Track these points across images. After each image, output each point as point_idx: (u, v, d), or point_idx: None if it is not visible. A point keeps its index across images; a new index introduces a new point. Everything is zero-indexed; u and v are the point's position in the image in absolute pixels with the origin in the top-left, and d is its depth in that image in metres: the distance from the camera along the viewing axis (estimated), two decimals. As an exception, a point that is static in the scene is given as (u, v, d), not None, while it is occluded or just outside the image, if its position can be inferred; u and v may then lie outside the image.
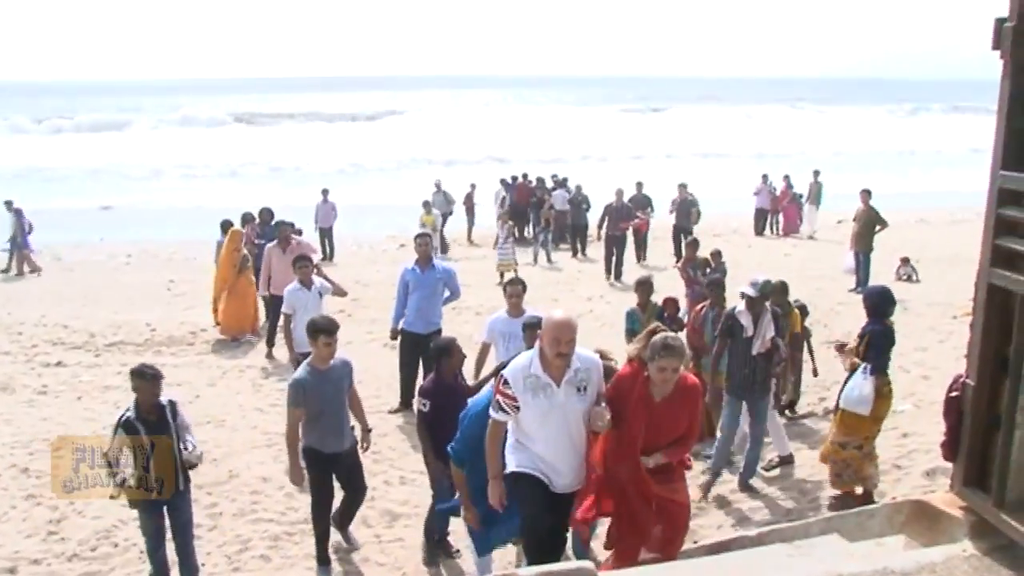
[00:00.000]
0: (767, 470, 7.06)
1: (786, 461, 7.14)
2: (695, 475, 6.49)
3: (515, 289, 7.28)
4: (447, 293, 8.95)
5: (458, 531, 5.89)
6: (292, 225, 12.22)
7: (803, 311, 8.58)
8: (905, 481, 6.56)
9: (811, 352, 8.54)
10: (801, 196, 21.67)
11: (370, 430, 6.16)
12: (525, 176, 21.71)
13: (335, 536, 6.11)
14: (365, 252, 19.96)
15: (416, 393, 6.92)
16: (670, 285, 11.19)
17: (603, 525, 4.82)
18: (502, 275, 15.53)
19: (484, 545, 5.21)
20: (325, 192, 19.41)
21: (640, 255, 17.53)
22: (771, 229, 22.05)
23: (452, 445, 5.05)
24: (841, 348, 6.58)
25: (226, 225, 12.61)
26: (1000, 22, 3.64)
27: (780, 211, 21.99)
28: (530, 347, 4.67)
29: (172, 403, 5.33)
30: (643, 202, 17.81)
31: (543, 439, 4.31)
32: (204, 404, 9.20)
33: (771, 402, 7.01)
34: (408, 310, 8.78)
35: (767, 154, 40.04)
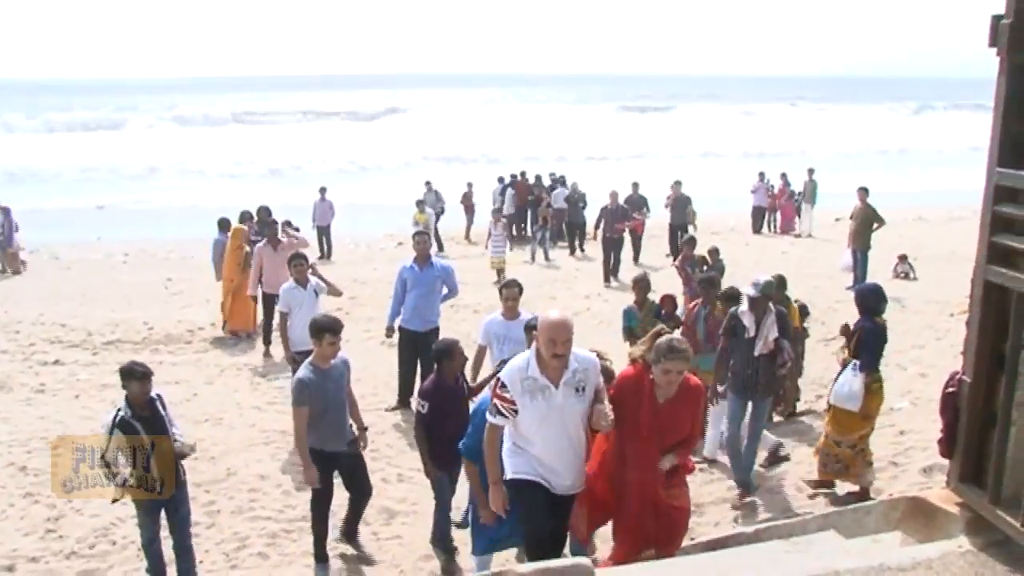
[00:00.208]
0: (766, 467, 7.05)
1: (776, 454, 7.11)
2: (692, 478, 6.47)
3: (511, 292, 7.22)
4: (445, 291, 8.95)
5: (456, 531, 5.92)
6: (290, 223, 12.22)
7: (804, 311, 8.59)
8: (902, 478, 6.57)
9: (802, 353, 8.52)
10: (798, 194, 21.72)
11: (366, 428, 6.16)
12: (523, 174, 21.73)
13: (333, 534, 6.11)
14: (363, 250, 19.97)
15: (416, 394, 6.91)
16: (667, 283, 11.21)
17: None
18: (498, 273, 15.56)
19: (484, 544, 5.20)
20: (323, 190, 19.41)
21: (637, 255, 17.53)
22: (768, 227, 22.09)
23: (464, 441, 5.03)
24: (846, 330, 6.56)
25: (224, 223, 12.60)
26: (997, 19, 3.64)
27: (778, 209, 22.03)
28: None
29: (159, 396, 5.38)
30: (639, 202, 17.76)
31: (541, 441, 4.26)
32: (202, 402, 9.21)
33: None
34: (406, 308, 8.78)
35: (767, 153, 40.08)
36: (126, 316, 12.73)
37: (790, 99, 79.52)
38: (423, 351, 8.51)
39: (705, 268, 11.03)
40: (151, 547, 5.50)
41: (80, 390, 9.64)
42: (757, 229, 21.80)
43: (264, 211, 13.55)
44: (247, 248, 11.78)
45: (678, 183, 18.36)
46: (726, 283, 11.21)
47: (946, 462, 4.11)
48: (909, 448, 7.09)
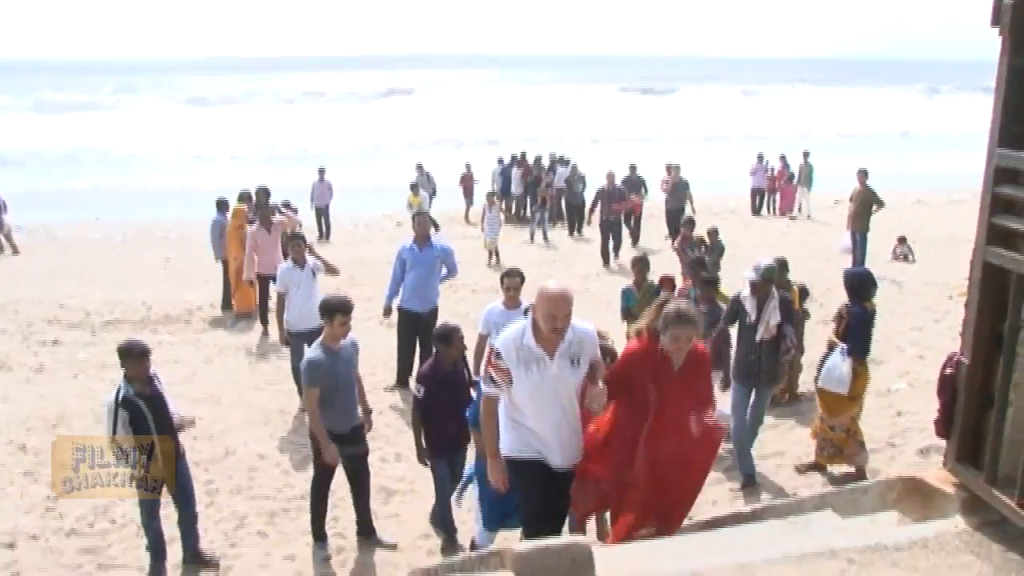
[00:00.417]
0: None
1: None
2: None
3: (512, 281, 7.14)
4: (444, 271, 8.93)
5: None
6: (288, 204, 12.18)
7: (804, 293, 8.59)
8: (899, 459, 6.60)
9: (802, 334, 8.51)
10: (795, 177, 21.69)
11: (370, 411, 6.17)
12: (524, 156, 21.65)
13: (332, 512, 6.14)
14: (362, 231, 19.94)
15: (414, 378, 6.90)
16: (665, 265, 11.19)
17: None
18: (490, 254, 15.54)
19: (496, 519, 5.12)
20: (321, 171, 19.33)
21: (635, 237, 17.48)
22: (768, 209, 22.05)
23: (469, 410, 5.03)
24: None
25: (222, 204, 12.54)
26: (999, -2, 3.60)
27: (777, 191, 21.99)
28: None
29: (155, 374, 5.44)
30: (636, 184, 17.61)
31: (533, 413, 4.17)
32: (201, 382, 9.22)
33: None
34: (405, 288, 8.77)
35: (768, 135, 39.92)
36: (125, 296, 12.73)
37: (792, 81, 79.20)
38: (422, 331, 8.52)
39: (704, 249, 11.00)
40: (151, 525, 5.54)
41: (79, 370, 9.65)
42: (756, 211, 21.77)
43: (263, 192, 13.48)
44: (247, 228, 11.75)
45: (676, 167, 17.98)
46: (726, 264, 11.26)
47: (943, 443, 4.10)
48: (906, 429, 7.12)
